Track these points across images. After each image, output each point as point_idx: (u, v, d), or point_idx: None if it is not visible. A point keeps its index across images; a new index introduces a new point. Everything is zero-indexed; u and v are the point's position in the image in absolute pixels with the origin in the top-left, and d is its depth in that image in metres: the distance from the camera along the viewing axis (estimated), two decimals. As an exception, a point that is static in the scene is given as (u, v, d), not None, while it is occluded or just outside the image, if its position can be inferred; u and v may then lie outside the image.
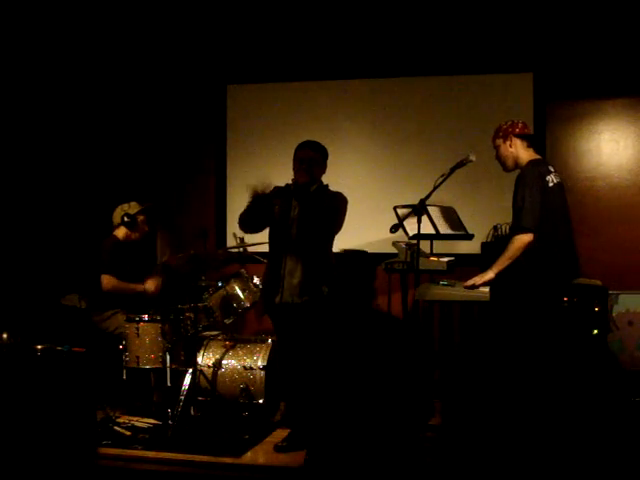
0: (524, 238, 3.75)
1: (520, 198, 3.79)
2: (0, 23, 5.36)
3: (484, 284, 3.89)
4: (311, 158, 4.00)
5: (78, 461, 3.89)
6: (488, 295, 3.80)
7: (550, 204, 3.82)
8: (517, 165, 3.98)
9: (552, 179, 3.89)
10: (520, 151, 3.97)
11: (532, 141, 4.04)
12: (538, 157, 4.01)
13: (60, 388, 4.00)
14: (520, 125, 3.99)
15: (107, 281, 4.74)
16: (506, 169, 4.05)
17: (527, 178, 3.83)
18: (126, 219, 4.85)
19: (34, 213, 5.70)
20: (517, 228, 3.80)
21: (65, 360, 4.40)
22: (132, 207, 4.90)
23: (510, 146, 3.97)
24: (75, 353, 4.46)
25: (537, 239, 3.79)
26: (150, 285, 4.84)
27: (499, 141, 4.01)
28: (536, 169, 3.88)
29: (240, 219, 4.14)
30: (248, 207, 4.05)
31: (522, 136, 3.98)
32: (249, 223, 4.12)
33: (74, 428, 3.98)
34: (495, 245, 4.85)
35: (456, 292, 4.01)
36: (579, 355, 3.50)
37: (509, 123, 4.00)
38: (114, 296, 4.77)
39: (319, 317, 3.93)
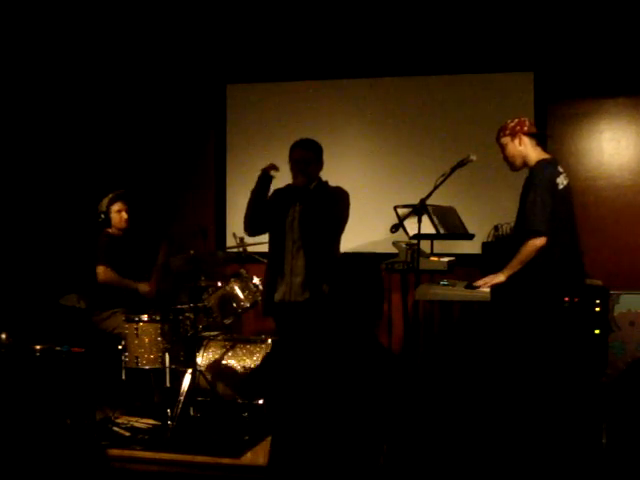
0: (537, 242, 3.68)
1: (531, 201, 3.71)
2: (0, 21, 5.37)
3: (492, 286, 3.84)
4: (304, 158, 3.99)
5: (85, 463, 3.88)
6: (488, 295, 3.79)
7: (558, 207, 3.75)
8: (525, 164, 3.89)
9: (562, 181, 3.80)
10: (529, 150, 3.86)
11: (540, 139, 3.97)
12: (547, 156, 3.92)
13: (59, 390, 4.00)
14: (528, 123, 3.90)
15: (103, 272, 4.75)
16: (514, 168, 3.95)
17: (537, 180, 3.75)
18: (100, 219, 4.83)
19: (33, 213, 5.70)
20: (529, 232, 3.71)
21: (64, 360, 4.40)
22: (103, 203, 4.87)
23: (519, 144, 3.86)
24: (74, 353, 4.46)
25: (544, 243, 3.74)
26: (144, 287, 4.83)
27: (506, 139, 3.90)
28: (546, 170, 3.79)
29: (245, 219, 4.16)
30: (252, 193, 4.10)
31: (530, 134, 3.90)
32: (254, 219, 4.12)
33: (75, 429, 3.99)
34: (496, 245, 4.84)
35: (456, 292, 3.99)
36: (580, 355, 3.49)
37: (516, 121, 3.90)
38: (113, 296, 4.76)
39: (318, 316, 3.93)
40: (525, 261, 3.71)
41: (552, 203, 3.71)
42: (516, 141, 3.87)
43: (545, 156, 3.89)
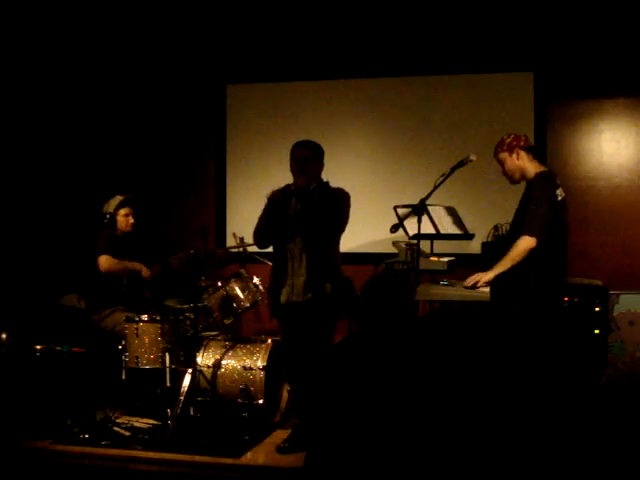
0: (529, 243, 3.74)
1: (533, 211, 3.78)
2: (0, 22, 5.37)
3: (484, 284, 3.87)
4: (304, 157, 3.99)
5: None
6: (488, 295, 3.79)
7: (556, 216, 3.83)
8: (524, 177, 3.99)
9: (560, 193, 3.90)
10: (526, 163, 3.97)
11: (536, 153, 4.06)
12: (544, 169, 4.01)
13: None
14: (524, 138, 4.01)
15: (104, 261, 4.76)
16: (513, 182, 4.05)
17: (540, 192, 3.83)
18: (105, 220, 4.88)
19: (33, 214, 5.70)
20: (525, 232, 3.78)
21: (64, 360, 4.41)
22: (110, 205, 4.91)
23: (517, 159, 3.97)
24: (74, 353, 4.47)
25: (540, 248, 3.77)
26: (146, 271, 4.88)
27: (504, 155, 3.99)
28: (548, 182, 3.89)
29: (256, 234, 4.12)
30: (266, 216, 4.05)
31: (527, 149, 3.99)
32: (266, 235, 4.09)
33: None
34: (496, 245, 4.83)
35: (456, 292, 3.99)
36: (580, 355, 3.49)
37: (512, 137, 4.00)
38: (113, 294, 4.77)
39: (322, 314, 3.94)
40: (515, 260, 3.76)
41: (551, 214, 3.79)
42: (514, 156, 3.97)
43: (542, 169, 3.97)
